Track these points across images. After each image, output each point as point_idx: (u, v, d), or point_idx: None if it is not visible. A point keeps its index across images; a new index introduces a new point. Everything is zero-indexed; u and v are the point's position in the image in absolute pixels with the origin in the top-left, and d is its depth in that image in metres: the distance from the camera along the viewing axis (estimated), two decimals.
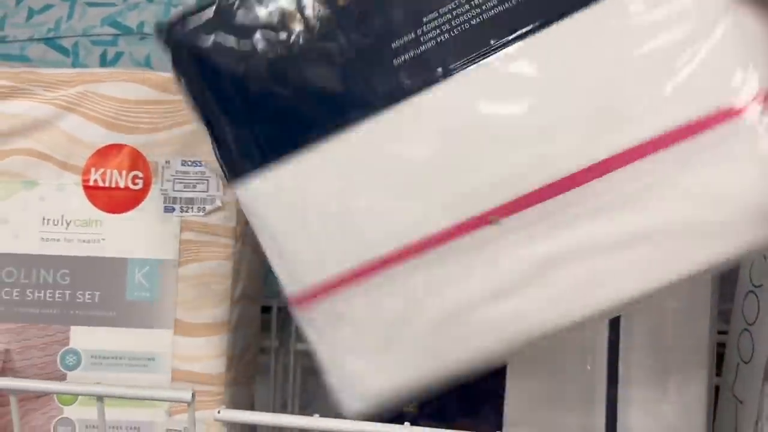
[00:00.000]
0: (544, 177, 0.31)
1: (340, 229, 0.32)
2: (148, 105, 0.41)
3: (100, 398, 0.35)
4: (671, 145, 0.30)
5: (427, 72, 0.31)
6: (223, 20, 0.33)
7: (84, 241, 0.41)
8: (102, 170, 0.41)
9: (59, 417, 0.40)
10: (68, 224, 0.41)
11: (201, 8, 0.33)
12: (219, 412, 0.35)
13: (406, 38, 0.32)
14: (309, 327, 0.34)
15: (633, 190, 0.30)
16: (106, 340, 0.40)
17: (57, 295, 0.40)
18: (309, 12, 0.32)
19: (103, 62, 0.53)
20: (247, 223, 0.42)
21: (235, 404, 0.42)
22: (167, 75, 0.41)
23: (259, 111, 0.33)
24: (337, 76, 0.32)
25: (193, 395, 0.34)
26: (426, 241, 0.32)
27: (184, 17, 0.34)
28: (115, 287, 0.40)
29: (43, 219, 0.40)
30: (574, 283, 0.31)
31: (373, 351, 0.33)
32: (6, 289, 0.40)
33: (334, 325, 0.33)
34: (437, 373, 0.33)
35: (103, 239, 0.41)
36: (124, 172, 0.41)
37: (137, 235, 0.41)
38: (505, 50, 0.31)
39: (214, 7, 0.33)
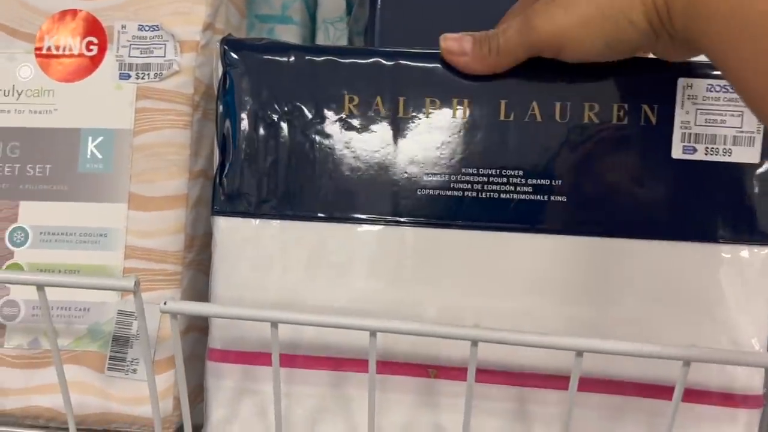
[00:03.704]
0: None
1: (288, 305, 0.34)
2: None
3: (40, 287, 0.32)
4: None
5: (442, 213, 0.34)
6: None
7: (35, 111, 0.38)
8: (56, 37, 0.38)
9: (5, 297, 0.38)
10: (19, 95, 0.38)
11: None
12: (165, 303, 0.31)
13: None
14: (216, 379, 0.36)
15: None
16: (57, 216, 0.38)
17: (6, 170, 0.38)
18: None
19: None
20: (206, 94, 0.39)
21: (194, 290, 0.39)
22: None
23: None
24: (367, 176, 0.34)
25: (137, 283, 0.31)
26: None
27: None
28: (66, 159, 0.38)
29: None
30: None
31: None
32: None
33: (240, 399, 0.35)
34: None
35: (56, 109, 0.38)
36: (78, 39, 0.38)
37: (91, 104, 0.38)
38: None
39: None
